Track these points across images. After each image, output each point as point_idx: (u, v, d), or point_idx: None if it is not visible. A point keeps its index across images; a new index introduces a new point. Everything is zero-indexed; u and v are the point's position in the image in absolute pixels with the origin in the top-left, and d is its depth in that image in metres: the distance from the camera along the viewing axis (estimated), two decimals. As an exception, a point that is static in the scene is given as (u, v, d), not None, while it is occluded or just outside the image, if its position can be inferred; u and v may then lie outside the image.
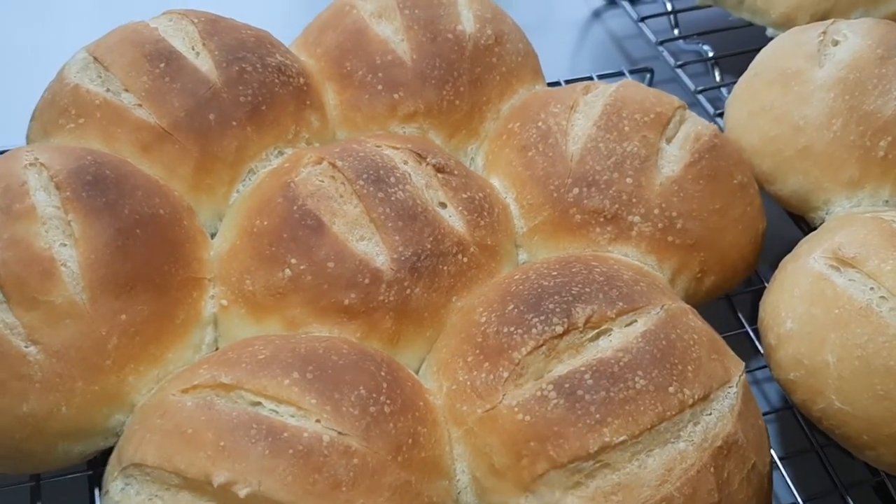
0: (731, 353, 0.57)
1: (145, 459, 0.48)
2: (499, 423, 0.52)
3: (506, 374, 0.53)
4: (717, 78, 0.89)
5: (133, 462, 0.49)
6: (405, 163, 0.64)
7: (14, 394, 0.52)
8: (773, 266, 0.67)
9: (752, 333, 0.69)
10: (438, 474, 0.52)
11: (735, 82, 0.79)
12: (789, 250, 0.67)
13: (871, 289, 0.58)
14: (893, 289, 0.57)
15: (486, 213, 0.64)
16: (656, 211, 0.65)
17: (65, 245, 0.55)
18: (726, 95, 0.81)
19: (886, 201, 0.68)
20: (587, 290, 0.56)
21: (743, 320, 0.71)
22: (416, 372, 0.59)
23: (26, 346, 0.53)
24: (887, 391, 0.55)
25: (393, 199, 0.61)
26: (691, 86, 0.86)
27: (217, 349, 0.59)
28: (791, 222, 0.76)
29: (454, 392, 0.55)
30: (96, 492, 0.56)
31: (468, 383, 0.54)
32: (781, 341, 0.61)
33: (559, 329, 0.54)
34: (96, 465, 0.56)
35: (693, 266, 0.65)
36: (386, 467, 0.49)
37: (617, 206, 0.64)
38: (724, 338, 0.60)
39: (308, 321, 0.58)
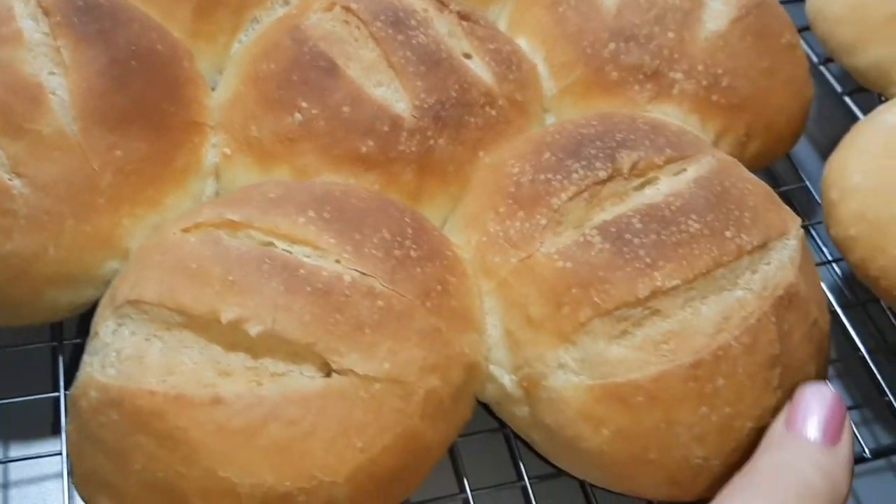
0: (786, 208, 0.52)
1: (143, 295, 0.43)
2: (536, 271, 0.47)
3: (544, 222, 0.48)
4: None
5: (128, 299, 0.43)
6: (425, 10, 0.58)
7: (-4, 231, 0.47)
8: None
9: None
10: (470, 326, 0.47)
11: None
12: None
13: None
14: None
15: (514, 68, 0.58)
16: (700, 67, 0.59)
17: (53, 73, 0.49)
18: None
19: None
20: (632, 136, 0.51)
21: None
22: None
23: (10, 179, 0.47)
24: None
25: (414, 42, 0.55)
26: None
27: (220, 201, 0.54)
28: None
29: (484, 244, 0.50)
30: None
31: (500, 233, 0.49)
32: (845, 196, 0.56)
33: (602, 174, 0.49)
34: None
35: (738, 128, 0.60)
36: (414, 312, 0.44)
37: (658, 61, 0.59)
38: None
39: (321, 170, 0.53)
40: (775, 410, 0.45)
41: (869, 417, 0.60)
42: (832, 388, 0.42)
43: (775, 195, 0.52)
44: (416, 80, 0.54)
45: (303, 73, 0.54)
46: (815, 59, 0.76)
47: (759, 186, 0.51)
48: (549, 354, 0.46)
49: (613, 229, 0.47)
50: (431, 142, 0.54)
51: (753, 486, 0.38)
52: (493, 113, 0.56)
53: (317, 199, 0.47)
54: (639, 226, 0.47)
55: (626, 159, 0.49)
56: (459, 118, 0.54)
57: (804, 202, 0.69)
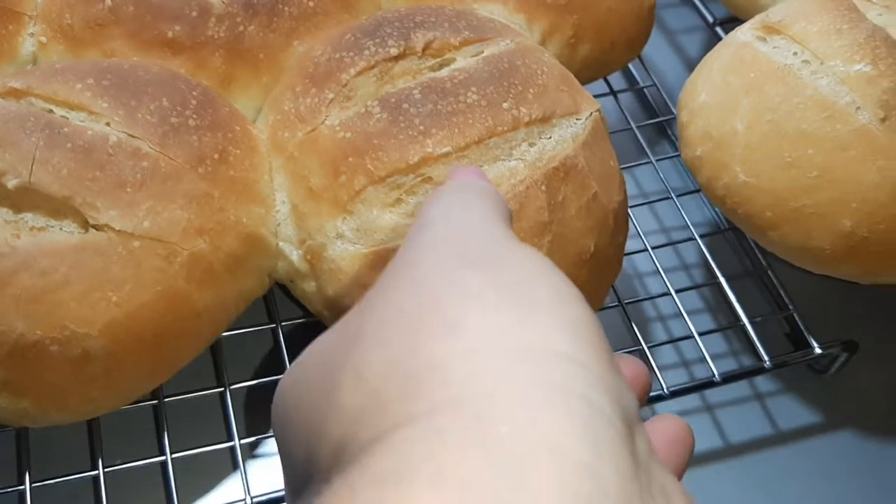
0: (587, 93, 0.53)
1: None
2: (319, 143, 0.48)
3: (331, 96, 0.49)
4: None
5: None
6: None
7: None
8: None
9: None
10: (252, 199, 0.47)
11: None
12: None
13: (795, 53, 0.54)
14: (818, 50, 0.52)
15: (340, -36, 0.59)
16: (527, -33, 0.60)
17: None
18: None
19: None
20: (433, 19, 0.52)
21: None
22: (254, 122, 0.54)
23: None
24: (795, 158, 0.51)
25: (230, -67, 0.55)
26: None
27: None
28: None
29: (278, 122, 0.50)
30: None
31: (293, 110, 0.50)
32: (693, 116, 0.57)
33: (394, 51, 0.49)
34: None
35: (566, 29, 0.60)
36: (182, 175, 0.45)
37: (483, -41, 0.59)
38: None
39: (129, 55, 0.53)
40: (545, 278, 0.46)
41: (730, 344, 0.61)
42: None
43: (574, 80, 0.53)
44: (230, -32, 0.55)
45: (117, -39, 0.54)
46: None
47: (556, 69, 0.52)
48: (328, 225, 0.47)
49: (393, 100, 0.47)
50: (241, 28, 0.54)
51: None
52: (311, 4, 0.56)
53: (100, 70, 0.47)
54: (418, 97, 0.47)
55: (420, 38, 0.50)
56: (272, 6, 0.55)
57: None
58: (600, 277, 0.50)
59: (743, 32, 0.58)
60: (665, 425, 0.36)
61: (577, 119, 0.50)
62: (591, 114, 0.51)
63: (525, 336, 0.26)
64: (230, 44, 0.54)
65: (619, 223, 0.51)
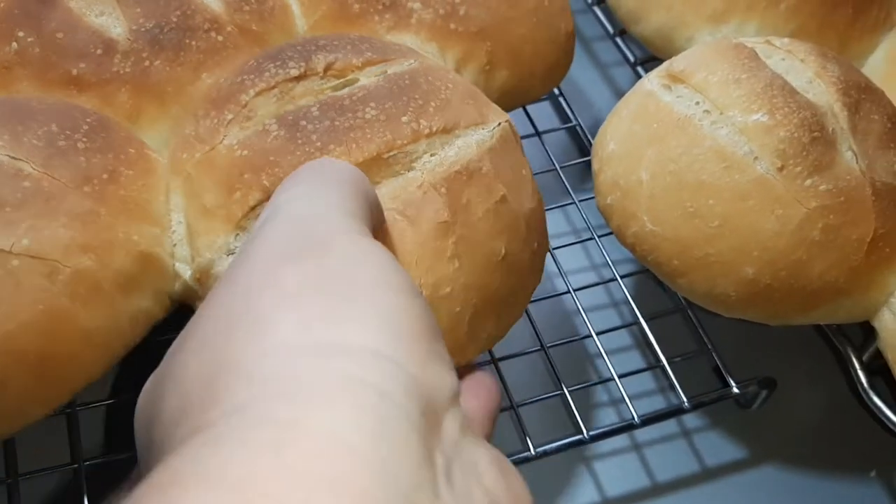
0: (496, 107, 0.52)
1: None
2: (216, 162, 0.47)
3: (230, 116, 0.48)
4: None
5: None
6: None
7: None
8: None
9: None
10: (144, 219, 0.46)
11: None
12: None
13: (697, 103, 0.53)
14: (717, 100, 0.52)
15: (253, 1, 0.59)
16: (438, -3, 0.60)
17: None
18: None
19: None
20: (335, 42, 0.52)
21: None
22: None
23: None
24: (697, 208, 0.51)
25: (138, -28, 0.56)
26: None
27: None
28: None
29: (178, 144, 0.50)
30: None
31: (192, 133, 0.49)
32: (602, 165, 0.56)
33: (294, 72, 0.49)
34: None
35: (480, 56, 0.60)
36: (66, 194, 0.44)
37: (396, -8, 0.60)
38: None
39: (36, 95, 0.53)
40: (453, 280, 0.45)
41: (658, 382, 0.61)
42: None
43: (481, 95, 0.52)
44: (136, 7, 0.55)
45: (24, 5, 0.54)
46: (610, 29, 0.78)
47: (462, 86, 0.51)
48: (219, 241, 0.46)
49: (291, 118, 0.47)
50: (147, 63, 0.54)
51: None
52: (220, 38, 0.56)
53: None
54: (316, 114, 0.47)
55: (321, 59, 0.50)
56: (178, 41, 0.55)
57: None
58: (515, 284, 0.48)
59: (650, 80, 0.58)
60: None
61: (482, 129, 0.49)
62: (500, 124, 0.50)
63: (329, 331, 0.27)
64: (136, 79, 0.53)
65: (533, 229, 0.50)
